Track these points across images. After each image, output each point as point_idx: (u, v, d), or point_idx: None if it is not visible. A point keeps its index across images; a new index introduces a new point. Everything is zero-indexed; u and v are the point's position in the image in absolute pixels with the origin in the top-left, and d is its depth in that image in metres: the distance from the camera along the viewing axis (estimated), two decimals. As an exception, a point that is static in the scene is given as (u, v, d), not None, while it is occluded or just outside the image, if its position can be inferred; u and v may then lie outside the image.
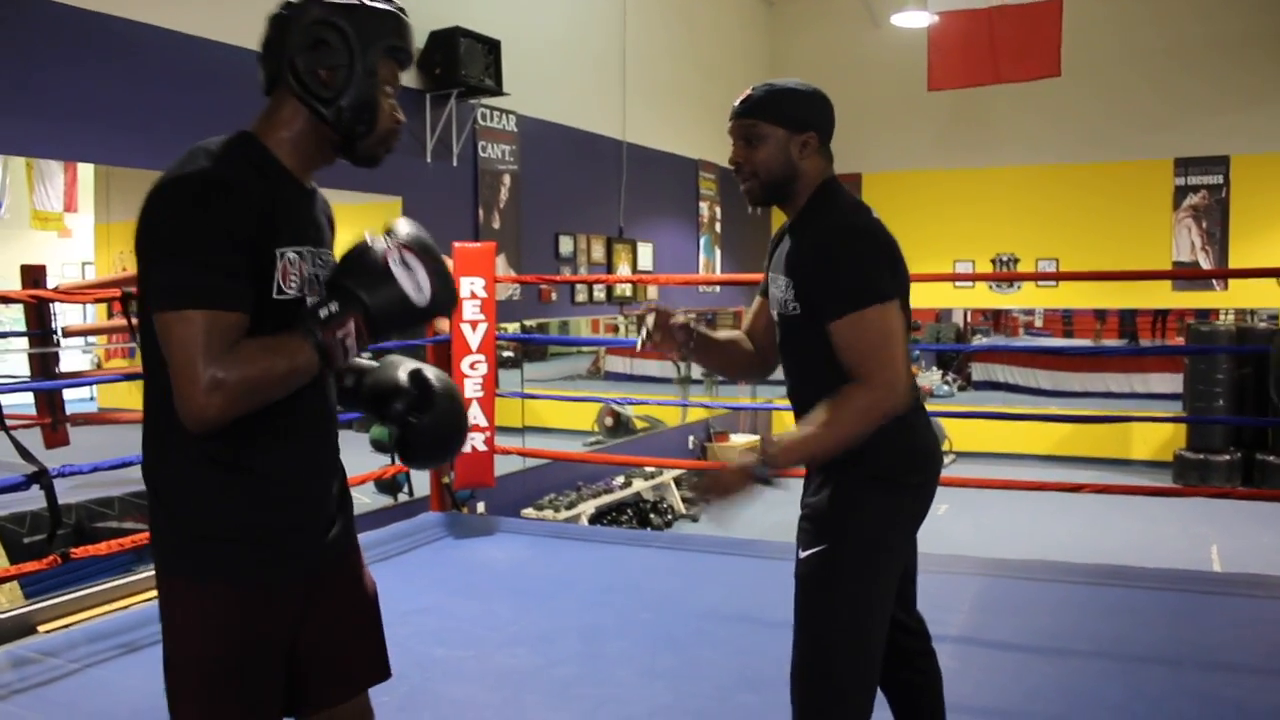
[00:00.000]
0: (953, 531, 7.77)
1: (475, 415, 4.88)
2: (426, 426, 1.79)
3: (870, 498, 1.95)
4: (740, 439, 10.19)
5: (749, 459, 1.92)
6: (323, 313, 1.51)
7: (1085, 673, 3.23)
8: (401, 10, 1.64)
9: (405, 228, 1.61)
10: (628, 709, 3.02)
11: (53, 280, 5.57)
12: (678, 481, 8.52)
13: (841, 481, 1.97)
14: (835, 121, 2.06)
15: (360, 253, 1.57)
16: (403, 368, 1.83)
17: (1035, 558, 5.04)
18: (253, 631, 1.58)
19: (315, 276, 1.61)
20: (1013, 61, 6.68)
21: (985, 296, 11.30)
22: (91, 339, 6.61)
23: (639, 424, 9.67)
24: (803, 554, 1.97)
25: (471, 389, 4.90)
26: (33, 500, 3.51)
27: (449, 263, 1.66)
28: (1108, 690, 3.08)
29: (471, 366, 4.87)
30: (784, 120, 1.99)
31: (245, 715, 1.60)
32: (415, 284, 1.56)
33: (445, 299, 1.61)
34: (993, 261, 10.70)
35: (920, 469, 2.00)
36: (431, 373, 1.83)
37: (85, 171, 6.13)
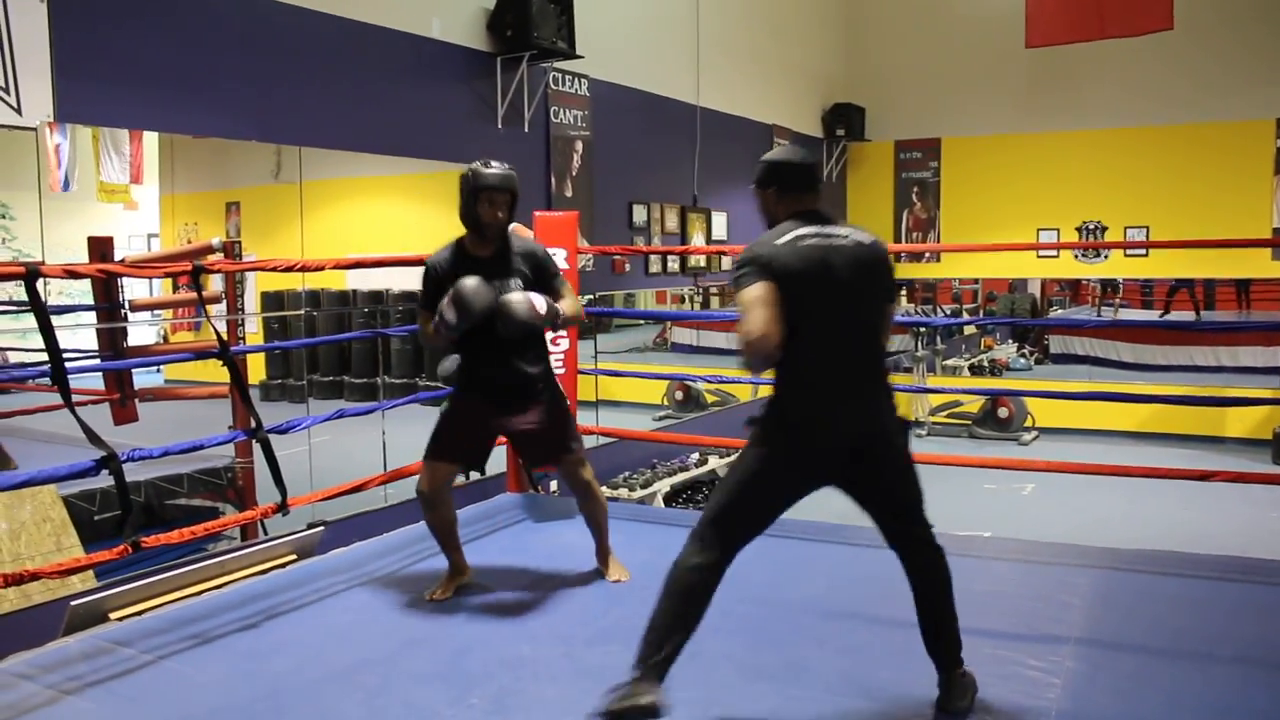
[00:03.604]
0: (1039, 514, 7.46)
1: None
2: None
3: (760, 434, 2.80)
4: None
5: None
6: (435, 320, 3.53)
7: (1232, 683, 2.94)
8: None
9: (459, 285, 3.43)
10: (733, 713, 2.82)
11: (120, 253, 5.45)
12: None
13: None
14: (803, 170, 2.86)
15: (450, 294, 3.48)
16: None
17: (1133, 544, 4.70)
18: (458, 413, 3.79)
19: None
20: (1120, 15, 6.26)
21: (1070, 266, 10.84)
22: (158, 312, 6.52)
23: (709, 398, 9.45)
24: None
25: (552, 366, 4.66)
26: (103, 475, 3.39)
27: (478, 298, 3.42)
28: (1262, 704, 2.80)
29: (553, 342, 4.63)
30: (758, 183, 2.89)
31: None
32: (450, 316, 3.44)
33: (462, 322, 3.44)
34: (1078, 230, 10.27)
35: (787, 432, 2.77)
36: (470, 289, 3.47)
37: (150, 144, 6.01)
